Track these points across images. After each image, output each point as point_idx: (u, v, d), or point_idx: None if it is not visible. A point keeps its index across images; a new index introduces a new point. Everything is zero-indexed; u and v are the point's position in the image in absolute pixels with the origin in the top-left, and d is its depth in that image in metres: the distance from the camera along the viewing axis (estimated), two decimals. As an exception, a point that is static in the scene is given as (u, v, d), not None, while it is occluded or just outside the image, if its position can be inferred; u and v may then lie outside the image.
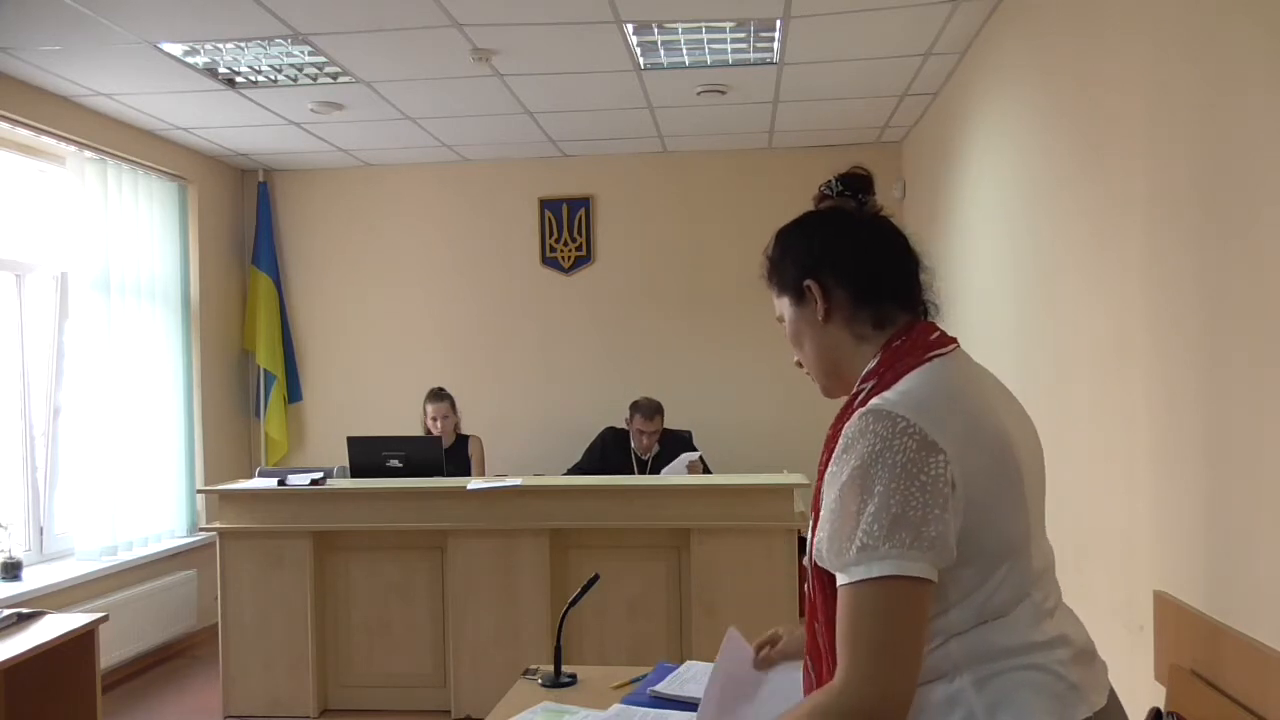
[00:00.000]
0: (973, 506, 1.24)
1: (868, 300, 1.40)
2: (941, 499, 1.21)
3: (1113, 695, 1.35)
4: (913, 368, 1.33)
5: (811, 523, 1.34)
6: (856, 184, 1.47)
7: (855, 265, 1.42)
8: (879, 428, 1.23)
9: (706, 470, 5.32)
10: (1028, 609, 1.29)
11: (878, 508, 1.20)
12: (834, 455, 1.28)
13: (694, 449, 5.39)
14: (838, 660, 1.22)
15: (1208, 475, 2.11)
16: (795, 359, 1.51)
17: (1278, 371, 1.83)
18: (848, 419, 1.30)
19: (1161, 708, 2.10)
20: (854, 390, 1.38)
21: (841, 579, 1.23)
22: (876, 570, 1.19)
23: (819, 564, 1.29)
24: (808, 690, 1.40)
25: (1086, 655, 1.33)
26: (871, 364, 1.38)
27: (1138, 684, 2.33)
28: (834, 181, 1.48)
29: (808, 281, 1.43)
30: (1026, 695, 1.24)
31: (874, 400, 1.29)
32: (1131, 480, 2.53)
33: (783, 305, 1.49)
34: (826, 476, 1.29)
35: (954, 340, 1.41)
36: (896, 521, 1.19)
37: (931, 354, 1.35)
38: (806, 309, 1.44)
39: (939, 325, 1.44)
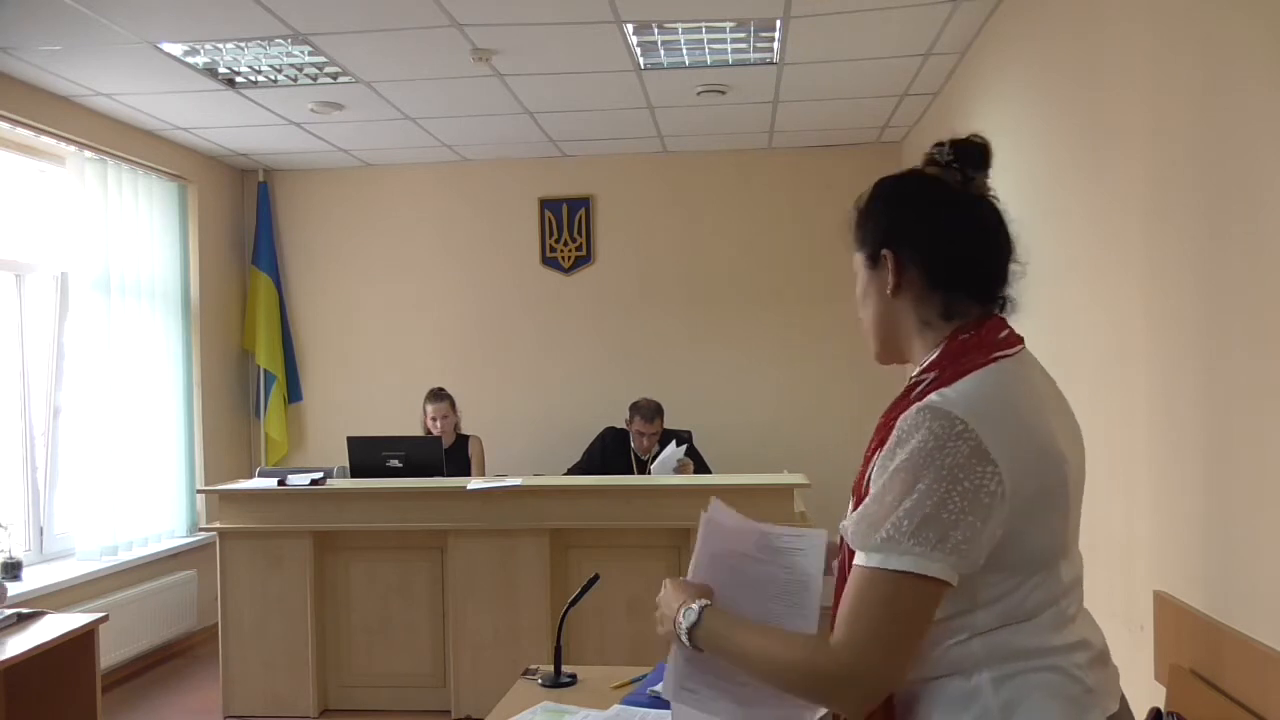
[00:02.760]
0: (1016, 518, 1.23)
1: (941, 287, 1.35)
2: (981, 509, 1.20)
3: (1124, 701, 1.35)
4: (977, 366, 1.29)
5: (851, 507, 1.32)
6: (967, 156, 1.36)
7: (936, 249, 1.34)
8: (936, 426, 1.21)
9: (701, 462, 5.31)
10: (1052, 614, 1.28)
11: (914, 504, 1.20)
12: (887, 446, 1.26)
13: (694, 448, 5.39)
14: (837, 625, 1.23)
15: (1208, 475, 2.11)
16: (860, 314, 1.46)
17: (1278, 371, 1.83)
18: (903, 408, 1.28)
19: (1161, 708, 2.10)
20: (913, 380, 1.35)
21: (860, 558, 1.24)
22: (894, 564, 1.20)
23: (845, 538, 1.30)
24: None
25: (1103, 659, 1.33)
26: (934, 354, 1.34)
27: (1138, 684, 2.33)
28: (946, 146, 1.36)
29: (885, 250, 1.37)
30: (1043, 697, 1.24)
31: (933, 396, 1.25)
32: (1131, 480, 2.53)
33: (858, 261, 1.43)
34: (877, 464, 1.27)
35: (1020, 340, 1.36)
36: (927, 521, 1.19)
37: (997, 354, 1.31)
38: (878, 275, 1.39)
39: (1009, 322, 1.38)
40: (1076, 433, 1.39)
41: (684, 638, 1.36)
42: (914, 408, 1.25)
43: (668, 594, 1.44)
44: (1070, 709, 1.25)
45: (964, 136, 1.37)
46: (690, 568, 1.49)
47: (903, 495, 1.21)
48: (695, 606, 1.36)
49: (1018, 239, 1.37)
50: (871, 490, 1.26)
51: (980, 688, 1.25)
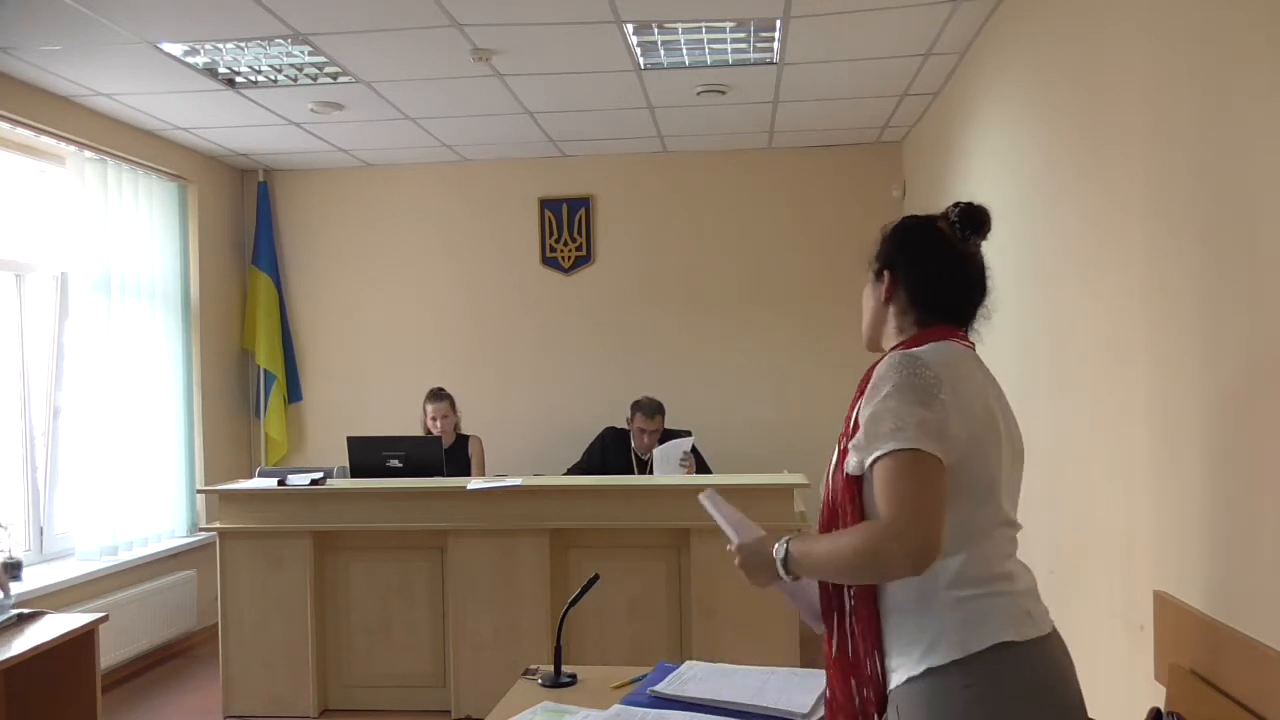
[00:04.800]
0: (960, 446, 1.58)
1: (921, 309, 1.77)
2: (951, 413, 1.58)
3: (1054, 628, 1.67)
4: (934, 340, 1.71)
5: (846, 442, 1.65)
6: (969, 222, 1.77)
7: (926, 285, 1.77)
8: (905, 362, 1.62)
9: (702, 462, 5.30)
10: (993, 545, 1.64)
11: (908, 409, 1.56)
12: (869, 387, 1.64)
13: (694, 448, 5.39)
14: (881, 510, 1.53)
15: (1208, 475, 2.11)
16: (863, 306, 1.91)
17: (1277, 371, 1.83)
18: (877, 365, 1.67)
19: (1161, 708, 2.10)
20: (885, 351, 1.77)
21: (873, 456, 1.56)
22: (906, 443, 1.53)
23: (855, 455, 1.60)
24: (825, 608, 1.71)
25: (1035, 595, 1.68)
26: (903, 339, 1.76)
27: (1138, 684, 2.33)
28: (954, 209, 1.78)
29: (886, 271, 1.81)
30: (994, 616, 1.58)
31: (901, 350, 1.69)
32: (1131, 481, 2.53)
33: (870, 270, 1.86)
34: (863, 401, 1.63)
35: (973, 345, 1.78)
36: (923, 420, 1.55)
37: (950, 338, 1.73)
38: (877, 286, 1.83)
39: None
40: (1012, 416, 1.74)
41: (781, 568, 1.70)
42: (886, 357, 1.67)
43: (751, 550, 1.78)
44: (1014, 626, 1.58)
45: (971, 204, 1.79)
46: (731, 532, 1.85)
47: (896, 405, 1.57)
48: (781, 542, 1.71)
49: (992, 290, 1.80)
50: (863, 420, 1.60)
51: (940, 610, 1.58)
